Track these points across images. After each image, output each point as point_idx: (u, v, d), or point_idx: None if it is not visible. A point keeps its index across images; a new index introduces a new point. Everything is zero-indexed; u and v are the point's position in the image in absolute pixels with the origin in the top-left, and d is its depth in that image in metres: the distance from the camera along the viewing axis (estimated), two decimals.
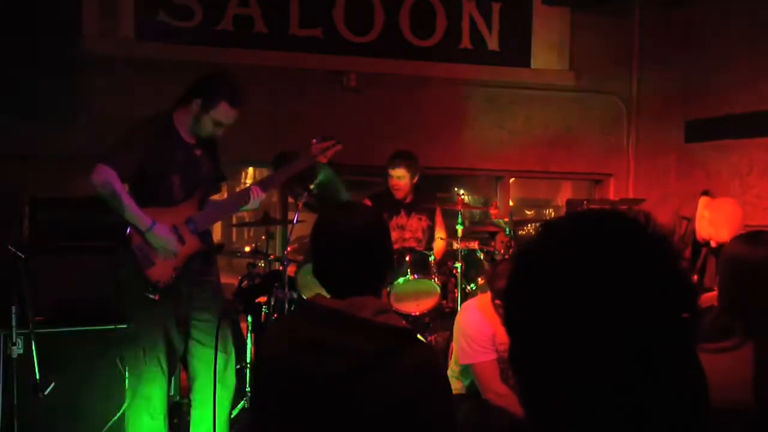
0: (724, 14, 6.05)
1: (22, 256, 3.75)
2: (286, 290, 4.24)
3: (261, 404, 2.01)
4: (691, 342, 0.92)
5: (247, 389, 4.12)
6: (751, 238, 2.19)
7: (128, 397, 3.54)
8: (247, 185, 3.85)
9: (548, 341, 0.91)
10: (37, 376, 3.36)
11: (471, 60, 6.32)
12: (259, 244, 6.90)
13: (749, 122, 5.84)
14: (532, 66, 6.53)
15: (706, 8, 6.21)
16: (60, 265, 3.83)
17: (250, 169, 7.42)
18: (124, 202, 3.35)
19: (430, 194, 5.56)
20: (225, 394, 3.61)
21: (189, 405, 3.70)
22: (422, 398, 1.78)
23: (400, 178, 5.05)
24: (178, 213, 3.50)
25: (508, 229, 5.29)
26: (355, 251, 1.94)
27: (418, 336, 2.08)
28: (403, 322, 2.06)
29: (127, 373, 3.56)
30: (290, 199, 5.70)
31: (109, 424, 3.69)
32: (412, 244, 5.11)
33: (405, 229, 5.17)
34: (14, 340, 3.42)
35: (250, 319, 4.31)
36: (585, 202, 5.71)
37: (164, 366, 3.48)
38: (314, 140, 3.95)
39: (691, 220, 3.99)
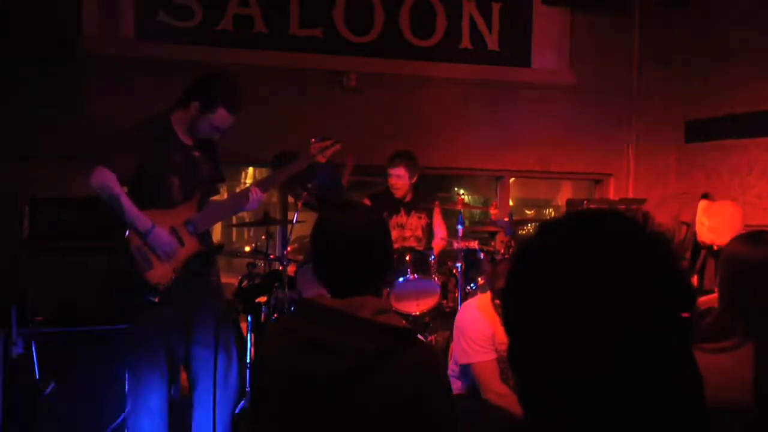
0: (724, 14, 6.05)
1: (22, 256, 3.76)
2: (286, 290, 4.24)
3: (261, 404, 2.01)
4: (689, 342, 0.92)
5: (247, 389, 4.12)
6: (751, 238, 2.18)
7: (128, 398, 3.53)
8: (247, 185, 3.85)
9: (547, 341, 0.91)
10: (37, 376, 3.37)
11: (471, 60, 6.32)
12: (259, 244, 6.90)
13: (749, 122, 5.85)
14: (532, 66, 6.53)
15: (706, 8, 6.21)
16: (60, 265, 3.82)
17: (250, 169, 7.41)
18: (123, 204, 3.34)
19: (430, 194, 5.57)
20: (227, 395, 3.60)
21: (189, 405, 3.70)
22: (422, 398, 1.78)
23: (400, 177, 5.08)
24: (177, 214, 3.50)
25: (508, 230, 5.30)
26: (355, 251, 1.94)
27: (418, 336, 2.07)
28: (403, 322, 2.06)
29: (126, 374, 3.56)
30: (290, 199, 5.70)
31: (112, 426, 3.69)
32: (412, 242, 5.13)
33: (405, 228, 5.18)
34: (14, 340, 3.42)
35: (250, 319, 4.31)
36: (585, 202, 5.71)
37: (164, 367, 3.47)
38: (313, 140, 3.95)
39: (690, 225, 4.00)
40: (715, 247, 3.86)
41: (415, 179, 5.15)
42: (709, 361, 1.93)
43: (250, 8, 5.80)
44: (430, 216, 5.26)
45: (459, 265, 4.83)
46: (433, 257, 4.88)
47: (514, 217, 5.56)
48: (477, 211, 6.48)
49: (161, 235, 3.39)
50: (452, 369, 3.55)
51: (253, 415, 2.85)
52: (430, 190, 5.82)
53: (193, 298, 3.54)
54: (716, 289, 2.25)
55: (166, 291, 3.41)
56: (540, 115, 6.49)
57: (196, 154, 3.60)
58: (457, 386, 3.47)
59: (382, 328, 1.83)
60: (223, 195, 4.69)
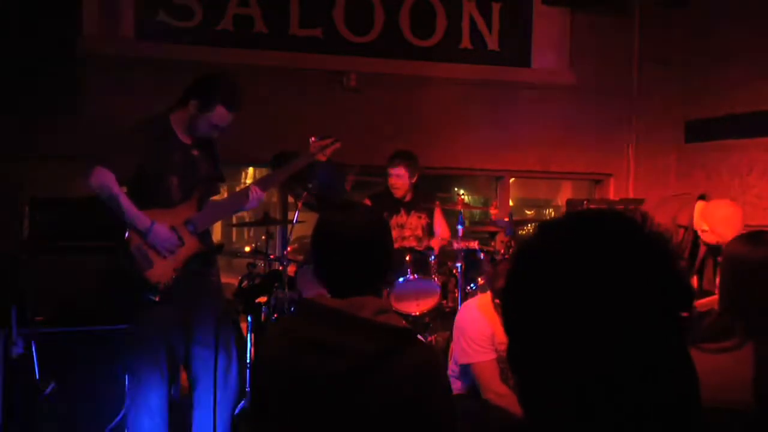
0: (724, 14, 6.05)
1: (22, 256, 3.76)
2: (286, 290, 4.24)
3: (261, 404, 2.01)
4: (687, 342, 0.92)
5: (247, 389, 4.12)
6: (751, 238, 2.18)
7: (128, 399, 3.53)
8: (247, 185, 3.85)
9: (547, 341, 0.91)
10: (37, 376, 3.37)
11: (471, 60, 6.32)
12: (259, 244, 6.90)
13: (749, 122, 5.85)
14: (532, 66, 6.53)
15: (706, 8, 6.21)
16: (60, 265, 3.83)
17: (250, 169, 7.41)
18: (123, 203, 3.34)
19: (430, 194, 5.57)
20: (226, 396, 3.60)
21: (189, 405, 3.70)
22: (422, 398, 1.78)
23: (400, 177, 5.08)
24: (176, 214, 3.49)
25: (508, 230, 5.30)
26: (355, 251, 1.94)
27: (418, 336, 2.07)
28: (403, 322, 2.06)
29: (126, 374, 3.56)
30: (290, 199, 5.70)
31: (111, 426, 3.69)
32: (412, 242, 5.13)
33: (405, 228, 5.19)
34: (14, 340, 3.42)
35: (250, 319, 4.31)
36: (585, 202, 5.72)
37: (164, 367, 3.47)
38: (312, 138, 3.95)
39: (688, 228, 4.01)
40: (722, 246, 3.88)
41: (415, 179, 5.15)
42: (709, 361, 1.93)
43: (250, 8, 5.80)
44: (430, 216, 5.27)
45: (459, 265, 4.83)
46: (433, 257, 4.88)
47: (514, 217, 5.56)
48: (477, 211, 6.48)
49: (161, 232, 3.39)
50: (452, 369, 3.55)
51: (253, 415, 2.85)
52: (430, 190, 5.82)
53: (193, 298, 3.54)
54: (716, 291, 2.25)
55: (167, 290, 3.41)
56: (540, 115, 6.49)
57: (195, 152, 3.60)
58: (457, 386, 3.47)
59: (382, 328, 1.83)
60: (223, 195, 4.69)
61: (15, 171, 5.02)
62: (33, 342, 3.39)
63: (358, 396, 1.77)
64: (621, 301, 0.88)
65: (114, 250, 3.44)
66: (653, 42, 6.60)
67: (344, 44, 6.01)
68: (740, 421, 1.88)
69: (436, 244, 5.15)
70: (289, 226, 4.63)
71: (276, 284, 4.33)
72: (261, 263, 4.99)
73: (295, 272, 4.61)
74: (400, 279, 4.69)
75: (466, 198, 5.35)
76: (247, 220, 5.61)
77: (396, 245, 4.91)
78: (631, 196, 6.63)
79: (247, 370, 4.19)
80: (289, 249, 4.59)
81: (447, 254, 5.12)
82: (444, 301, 4.94)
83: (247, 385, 4.09)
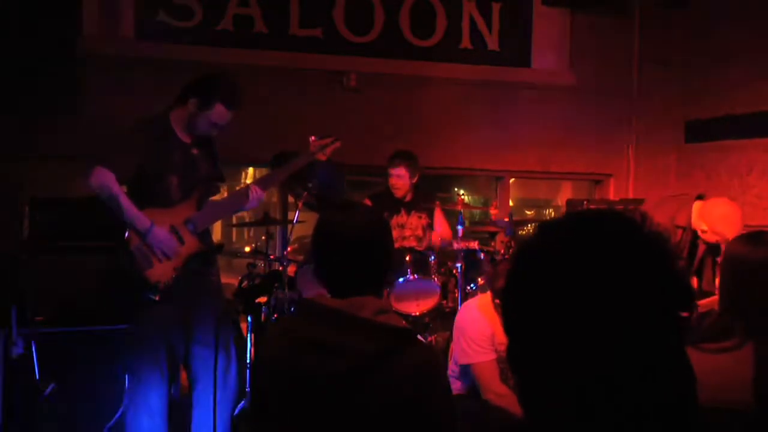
0: (724, 14, 6.05)
1: (22, 256, 3.76)
2: (286, 290, 4.24)
3: (261, 404, 2.01)
4: (686, 341, 0.93)
5: (247, 389, 4.12)
6: (751, 238, 2.19)
7: (127, 398, 3.53)
8: (247, 184, 3.85)
9: (547, 341, 0.91)
10: (37, 376, 3.37)
11: (471, 60, 6.32)
12: (259, 244, 6.90)
13: (749, 122, 5.85)
14: (532, 66, 6.53)
15: (706, 8, 6.21)
16: (60, 265, 3.82)
17: (250, 169, 7.41)
18: (123, 203, 3.34)
19: (430, 193, 5.57)
20: (226, 395, 3.60)
21: (189, 405, 3.70)
22: (422, 398, 1.78)
23: (400, 177, 5.08)
24: (176, 213, 3.49)
25: (508, 230, 5.30)
26: (355, 251, 1.94)
27: (418, 336, 2.07)
28: (403, 322, 2.06)
29: (126, 373, 3.56)
30: (290, 199, 5.70)
31: (109, 424, 3.69)
32: (412, 242, 5.13)
33: (405, 227, 5.19)
34: (14, 340, 3.42)
35: (250, 319, 4.31)
36: (585, 202, 5.71)
37: (164, 367, 3.47)
38: (312, 137, 3.95)
39: (686, 229, 4.01)
40: (722, 245, 3.87)
41: (415, 179, 5.15)
42: (710, 361, 1.93)
43: (250, 8, 5.80)
44: (430, 216, 5.27)
45: (459, 265, 4.83)
46: (433, 257, 4.88)
47: (514, 217, 5.56)
48: (477, 211, 6.47)
49: (160, 234, 3.39)
50: (452, 369, 3.55)
51: (253, 415, 2.85)
52: (430, 190, 5.82)
53: (193, 298, 3.54)
54: (716, 291, 2.25)
55: (167, 290, 3.41)
56: (540, 116, 6.49)
57: (195, 151, 3.60)
58: (457, 386, 3.47)
59: (382, 329, 1.83)
60: (223, 194, 4.69)
61: (15, 171, 5.02)
62: (33, 342, 3.39)
63: (358, 396, 1.77)
64: (621, 301, 0.88)
65: (114, 250, 3.44)
66: (653, 42, 6.60)
67: (344, 44, 6.01)
68: (740, 421, 1.89)
69: (435, 238, 5.14)
70: (289, 226, 4.63)
71: (276, 284, 4.33)
72: (261, 263, 4.99)
73: (295, 272, 4.61)
74: (400, 279, 4.69)
75: (466, 198, 5.35)
76: (247, 220, 5.61)
77: (396, 245, 4.91)
78: (631, 196, 6.63)
79: (247, 370, 4.19)
80: (289, 249, 4.59)
81: (447, 254, 5.12)
82: (444, 301, 4.94)
83: (247, 385, 4.09)
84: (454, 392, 3.28)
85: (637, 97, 6.70)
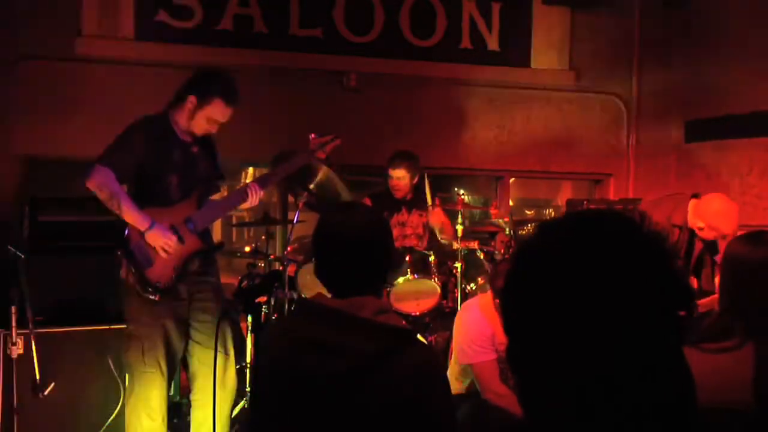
0: (724, 15, 6.05)
1: (22, 256, 3.76)
2: (286, 290, 4.24)
3: (261, 404, 2.01)
4: (686, 341, 0.93)
5: (247, 389, 4.12)
6: (752, 238, 2.18)
7: (127, 398, 3.53)
8: (246, 183, 3.85)
9: (547, 341, 0.91)
10: (37, 376, 3.37)
11: (471, 60, 6.32)
12: (259, 244, 6.89)
13: (749, 122, 5.85)
14: (532, 66, 6.53)
15: (706, 8, 6.21)
16: (60, 265, 3.82)
17: (250, 169, 7.40)
18: (123, 203, 3.34)
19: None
20: (225, 395, 3.60)
21: (189, 405, 3.70)
22: (422, 398, 1.78)
23: (401, 178, 5.06)
24: (176, 213, 3.49)
25: (508, 230, 5.29)
26: (356, 251, 1.94)
27: (418, 336, 2.07)
28: (403, 322, 2.07)
29: (126, 373, 3.56)
30: (290, 199, 5.70)
31: (107, 423, 3.69)
32: (413, 240, 5.12)
33: (405, 226, 5.18)
34: (14, 340, 3.42)
35: (250, 319, 4.31)
36: (585, 202, 5.72)
37: (163, 367, 3.47)
38: (312, 135, 3.94)
39: (682, 228, 4.01)
40: (720, 241, 3.87)
41: (416, 180, 5.14)
42: (710, 361, 1.93)
43: (250, 8, 5.80)
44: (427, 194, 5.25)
45: (459, 265, 4.83)
46: (433, 257, 4.87)
47: (514, 217, 5.56)
48: (477, 211, 6.47)
49: (161, 233, 3.39)
50: (452, 369, 3.55)
51: (253, 415, 2.85)
52: (430, 189, 5.81)
53: (192, 297, 3.54)
54: (716, 291, 2.25)
55: (167, 289, 3.41)
56: (540, 115, 6.49)
57: (194, 150, 3.60)
58: (457, 386, 3.47)
59: (382, 328, 1.83)
60: (223, 194, 4.69)
61: (15, 171, 5.03)
62: (33, 342, 3.38)
63: (358, 396, 1.77)
64: (620, 301, 0.88)
65: (114, 250, 3.44)
66: (653, 42, 6.60)
67: (344, 44, 6.01)
68: (740, 421, 1.88)
69: (434, 219, 5.11)
70: (289, 226, 4.62)
71: (276, 284, 4.33)
72: (261, 263, 4.99)
73: (295, 272, 4.61)
74: (400, 279, 4.68)
75: (466, 198, 5.33)
76: (247, 220, 5.62)
77: (397, 243, 4.91)
78: (631, 196, 6.63)
79: (247, 370, 4.19)
80: (289, 249, 4.59)
81: (447, 254, 5.11)
82: (444, 301, 4.93)
83: (247, 385, 4.09)
84: (454, 392, 3.28)
85: (637, 97, 6.70)
